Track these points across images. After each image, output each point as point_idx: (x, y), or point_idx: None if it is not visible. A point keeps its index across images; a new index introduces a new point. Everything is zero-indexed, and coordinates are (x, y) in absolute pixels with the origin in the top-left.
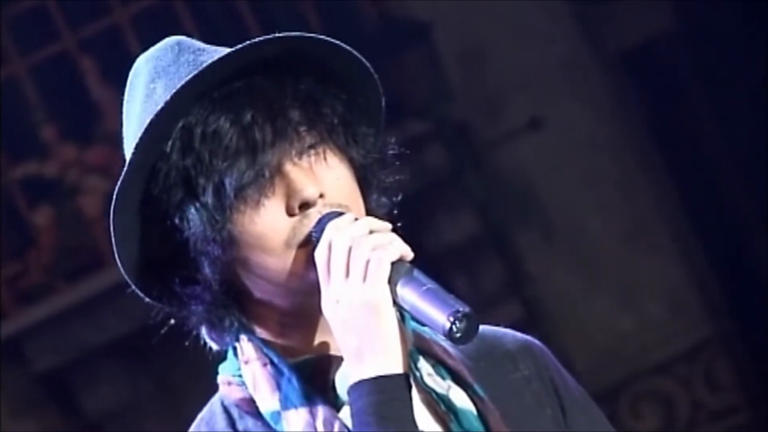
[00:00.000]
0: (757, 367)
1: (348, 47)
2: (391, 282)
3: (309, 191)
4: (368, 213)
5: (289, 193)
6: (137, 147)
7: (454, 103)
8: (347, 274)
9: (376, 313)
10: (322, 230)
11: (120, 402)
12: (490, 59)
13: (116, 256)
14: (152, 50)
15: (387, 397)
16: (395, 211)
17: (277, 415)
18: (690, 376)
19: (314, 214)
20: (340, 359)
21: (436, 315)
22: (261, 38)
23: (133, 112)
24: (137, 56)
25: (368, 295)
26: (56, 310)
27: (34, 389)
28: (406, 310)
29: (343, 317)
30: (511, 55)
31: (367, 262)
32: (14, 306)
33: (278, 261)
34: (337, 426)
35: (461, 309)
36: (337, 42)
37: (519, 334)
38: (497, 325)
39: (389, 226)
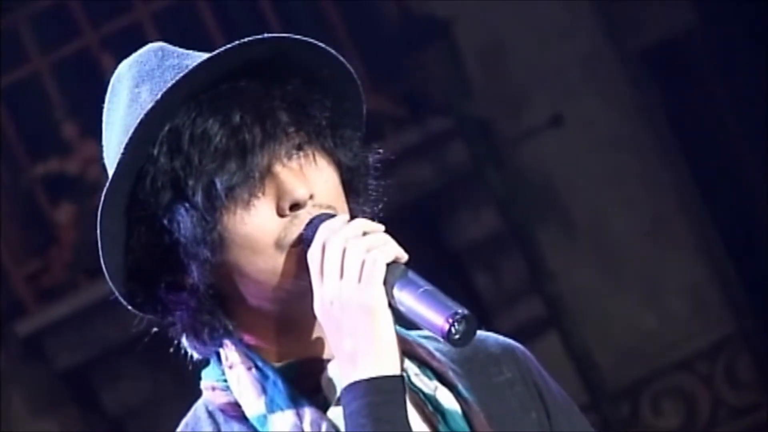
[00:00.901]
0: None
1: (333, 51)
2: (387, 284)
3: (299, 192)
4: (351, 218)
5: (280, 194)
6: (126, 149)
7: (475, 100)
8: (341, 276)
9: (371, 315)
10: (314, 231)
11: (141, 399)
12: (511, 56)
13: (102, 262)
14: (134, 56)
15: (382, 399)
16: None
17: (263, 419)
18: (711, 374)
19: (304, 215)
20: (325, 362)
21: (434, 317)
22: (246, 40)
23: (115, 117)
24: None
25: (364, 296)
26: (78, 308)
27: (54, 387)
28: (402, 312)
29: (337, 318)
30: (532, 52)
31: (362, 263)
32: (35, 303)
33: (268, 262)
34: (324, 426)
35: (460, 311)
36: (322, 45)
37: (501, 338)
38: (515, 322)
39: (382, 227)
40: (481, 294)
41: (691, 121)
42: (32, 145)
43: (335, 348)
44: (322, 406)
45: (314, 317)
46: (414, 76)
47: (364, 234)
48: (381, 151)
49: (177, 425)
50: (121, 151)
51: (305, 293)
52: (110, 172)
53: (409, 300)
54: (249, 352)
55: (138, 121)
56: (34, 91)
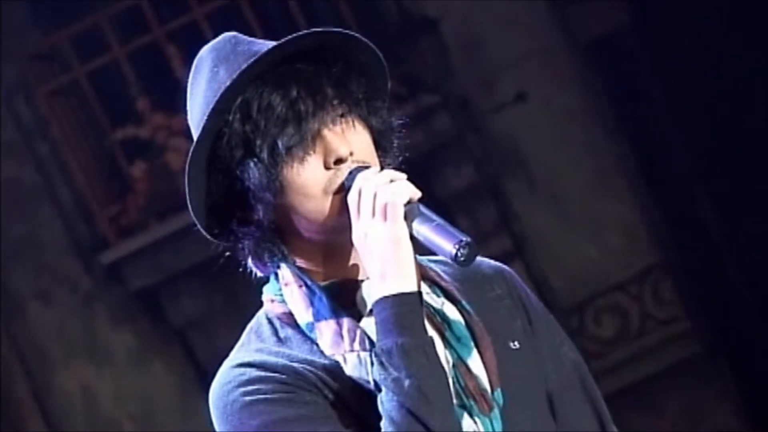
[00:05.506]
0: (693, 285)
1: (367, 41)
2: (408, 219)
3: (342, 150)
4: (381, 169)
5: (327, 152)
6: (208, 117)
7: (457, 81)
8: (373, 214)
9: (397, 245)
10: (353, 179)
11: (199, 314)
12: (485, 47)
13: (188, 202)
14: (213, 42)
15: (406, 310)
16: (404, 167)
17: (311, 326)
18: (641, 294)
19: (345, 168)
20: (359, 283)
21: (445, 244)
22: (302, 33)
23: (198, 90)
24: None
25: (390, 230)
26: (149, 242)
27: (130, 304)
28: (420, 241)
29: (370, 247)
30: (502, 44)
31: (386, 205)
32: (116, 238)
33: (317, 205)
34: (358, 333)
35: (464, 239)
36: (359, 36)
37: (492, 261)
38: (488, 255)
39: (404, 175)
40: (462, 231)
41: (627, 99)
42: (113, 116)
43: (368, 270)
44: (357, 317)
45: (352, 246)
46: (410, 62)
47: (391, 181)
48: (403, 117)
49: (227, 335)
50: (205, 118)
51: (344, 228)
52: (194, 133)
53: (425, 232)
54: (300, 273)
55: (218, 95)
56: (115, 74)
